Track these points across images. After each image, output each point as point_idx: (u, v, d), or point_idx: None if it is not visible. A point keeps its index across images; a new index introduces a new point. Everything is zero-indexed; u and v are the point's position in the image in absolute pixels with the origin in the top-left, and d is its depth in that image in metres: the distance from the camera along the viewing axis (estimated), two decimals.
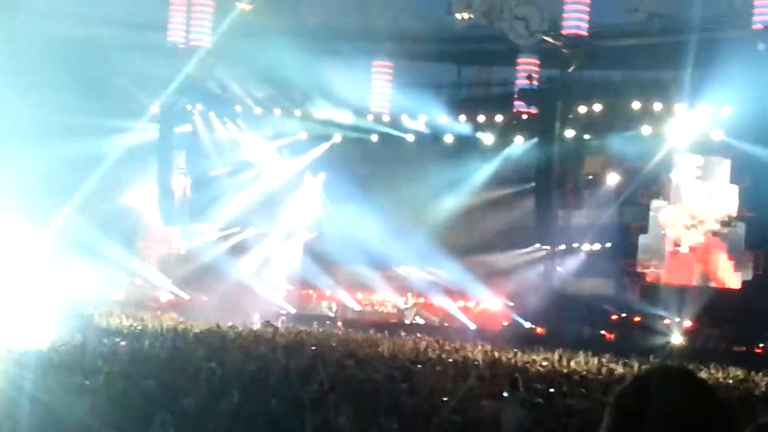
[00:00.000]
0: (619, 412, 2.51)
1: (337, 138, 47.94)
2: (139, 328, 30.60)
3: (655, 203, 41.93)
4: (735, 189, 40.59)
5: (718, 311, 35.84)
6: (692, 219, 40.76)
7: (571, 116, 41.72)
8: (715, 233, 40.69)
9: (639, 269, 41.54)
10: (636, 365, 24.94)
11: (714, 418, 2.46)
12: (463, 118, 45.23)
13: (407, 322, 44.10)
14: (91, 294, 35.07)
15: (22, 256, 32.86)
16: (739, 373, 24.96)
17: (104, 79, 42.15)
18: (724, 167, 41.00)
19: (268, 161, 49.04)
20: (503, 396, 14.82)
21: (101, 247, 37.77)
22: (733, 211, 40.44)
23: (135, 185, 48.37)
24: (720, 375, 24.21)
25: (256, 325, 36.77)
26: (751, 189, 39.43)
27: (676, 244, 41.17)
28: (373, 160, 49.23)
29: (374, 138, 47.84)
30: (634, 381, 2.56)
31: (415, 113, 46.03)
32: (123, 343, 21.81)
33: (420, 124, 46.21)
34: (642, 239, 41.73)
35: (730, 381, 23.01)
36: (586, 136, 42.34)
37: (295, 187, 49.14)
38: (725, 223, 40.53)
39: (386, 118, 47.23)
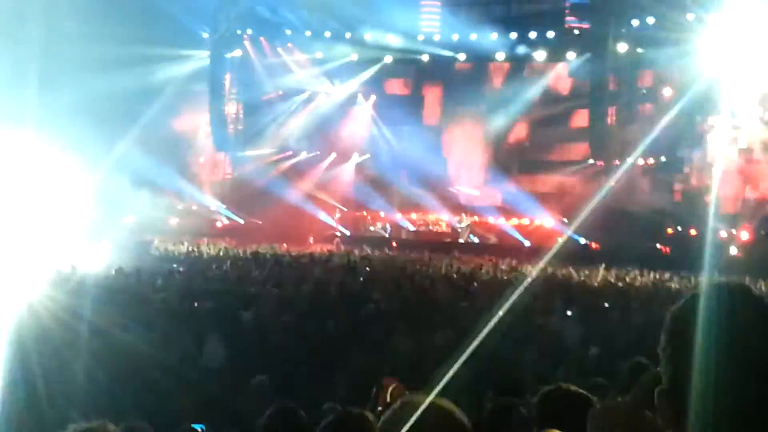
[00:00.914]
0: (675, 331, 2.47)
1: (388, 59, 47.64)
2: (195, 253, 30.98)
3: (711, 119, 41.31)
4: None
5: None
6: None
7: (624, 30, 41.08)
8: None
9: (693, 183, 41.15)
10: (692, 279, 24.79)
11: None
12: (514, 35, 44.77)
13: (461, 241, 44.15)
14: (149, 221, 35.42)
15: (81, 186, 33.30)
16: None
17: (154, 8, 42.04)
18: None
19: (318, 85, 48.96)
20: (559, 311, 14.86)
21: (157, 175, 38.11)
22: None
23: (188, 112, 48.51)
24: None
25: (312, 248, 37.14)
26: None
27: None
28: (424, 81, 49.05)
29: (425, 58, 47.60)
30: (689, 299, 2.49)
31: (465, 32, 45.59)
32: (180, 268, 22.06)
33: (471, 43, 45.79)
34: (696, 154, 41.28)
35: None
36: (639, 50, 41.65)
37: (347, 109, 49.04)
38: None
39: (437, 38, 46.80)
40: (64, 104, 34.38)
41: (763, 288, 20.15)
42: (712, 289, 2.46)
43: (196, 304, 14.57)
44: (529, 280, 22.81)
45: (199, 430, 7.19)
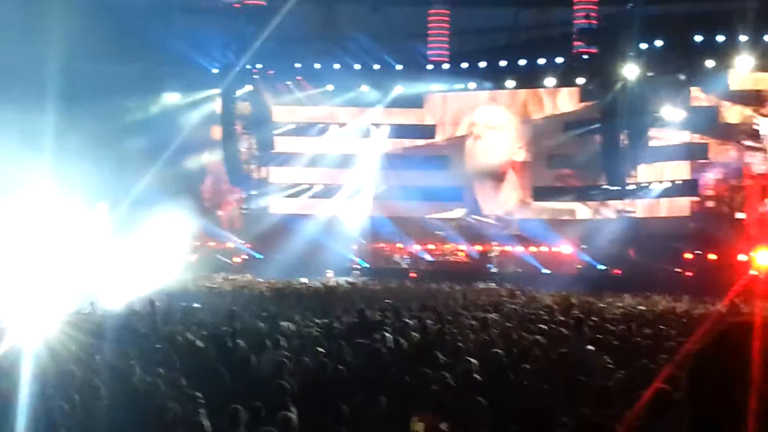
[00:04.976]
0: (698, 374, 2.41)
1: (398, 90, 47.76)
2: (215, 288, 30.92)
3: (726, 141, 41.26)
4: None
5: None
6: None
7: (632, 53, 41.05)
8: None
9: (709, 206, 40.98)
10: (716, 305, 24.64)
11: None
12: (523, 62, 44.84)
13: (494, 270, 43.85)
14: (164, 258, 35.46)
15: (95, 225, 33.37)
16: None
17: (165, 45, 42.33)
18: None
19: (330, 117, 49.07)
20: (582, 340, 14.72)
21: (172, 212, 38.12)
22: None
23: (201, 149, 48.69)
24: None
25: (331, 281, 37.06)
26: None
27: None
28: (434, 111, 49.15)
29: (435, 88, 47.85)
30: (712, 341, 2.42)
31: (474, 60, 45.74)
32: (197, 305, 21.97)
33: (480, 71, 45.96)
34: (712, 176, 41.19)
35: None
36: (650, 74, 41.60)
37: (360, 140, 49.07)
38: None
39: (445, 67, 46.97)
40: (78, 139, 34.60)
41: None
42: (735, 330, 2.40)
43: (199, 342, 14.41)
44: (548, 308, 22.74)
45: None
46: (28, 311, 16.08)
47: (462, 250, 46.34)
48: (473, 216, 47.22)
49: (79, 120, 36.39)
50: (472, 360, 11.99)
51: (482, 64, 45.66)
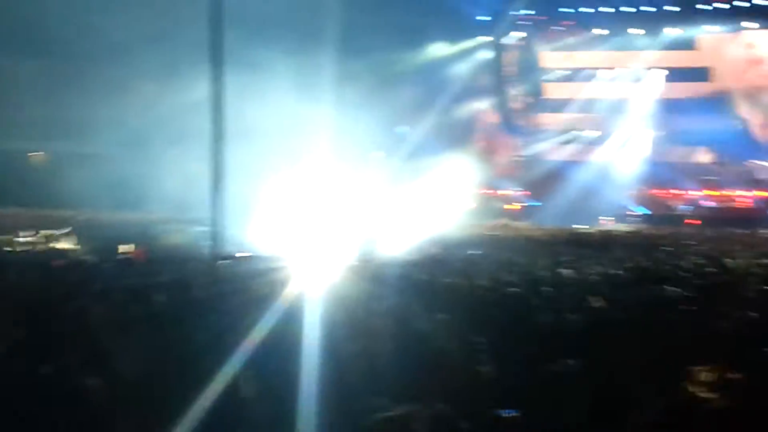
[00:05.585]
0: None
1: (671, 32, 46.25)
2: (494, 236, 31.05)
3: None
4: None
5: None
6: None
7: None
8: None
9: None
10: None
11: None
12: None
13: None
14: (443, 206, 35.95)
15: (372, 174, 34.18)
16: None
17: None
18: None
19: (601, 62, 48.13)
20: None
21: (448, 160, 38.57)
22: None
23: (471, 98, 48.93)
24: None
25: (607, 227, 36.63)
26: None
27: None
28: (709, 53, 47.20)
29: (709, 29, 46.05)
30: None
31: None
32: (476, 251, 22.07)
33: (758, 9, 43.74)
34: None
35: None
36: None
37: (632, 85, 47.91)
38: None
39: (721, 6, 44.86)
40: (352, 90, 35.51)
41: None
42: None
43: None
44: None
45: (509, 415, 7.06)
46: (312, 258, 16.58)
47: (744, 196, 44.40)
48: (754, 161, 45.16)
49: (353, 72, 37.30)
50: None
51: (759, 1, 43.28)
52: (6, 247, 22.62)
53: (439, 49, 47.95)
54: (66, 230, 25.16)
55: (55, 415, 6.47)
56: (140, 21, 34.07)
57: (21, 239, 23.76)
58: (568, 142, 48.64)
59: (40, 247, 23.20)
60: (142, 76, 37.49)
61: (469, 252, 22.26)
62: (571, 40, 48.04)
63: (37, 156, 41.30)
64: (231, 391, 7.02)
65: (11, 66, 38.74)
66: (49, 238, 24.14)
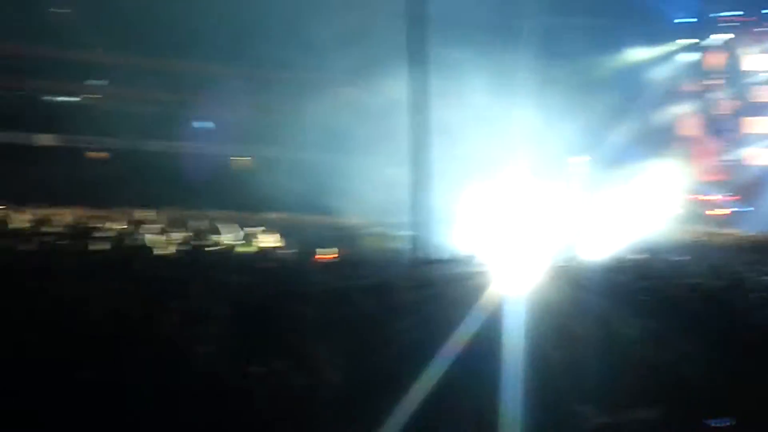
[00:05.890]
0: None
1: None
2: (700, 241, 30.33)
3: None
4: None
5: None
6: None
7: None
8: None
9: None
10: None
11: None
12: None
13: None
14: (649, 211, 35.44)
15: (576, 178, 33.94)
16: None
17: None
18: None
19: None
20: None
21: (654, 165, 37.92)
22: None
23: (672, 102, 48.05)
24: None
25: None
26: None
27: None
28: None
29: None
30: None
31: None
32: (682, 257, 21.57)
33: None
34: None
35: None
36: None
37: None
38: None
39: None
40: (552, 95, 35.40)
41: None
42: None
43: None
44: None
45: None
46: (514, 263, 16.51)
47: None
48: None
49: (553, 76, 37.12)
50: None
51: None
52: (210, 246, 23.26)
53: (638, 52, 47.35)
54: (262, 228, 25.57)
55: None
56: (341, 24, 34.74)
57: (222, 237, 24.37)
58: None
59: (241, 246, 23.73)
60: (345, 80, 38.30)
61: (676, 258, 21.74)
62: None
63: (242, 160, 42.54)
64: (434, 400, 7.09)
65: (219, 72, 40.14)
66: (249, 237, 24.60)
